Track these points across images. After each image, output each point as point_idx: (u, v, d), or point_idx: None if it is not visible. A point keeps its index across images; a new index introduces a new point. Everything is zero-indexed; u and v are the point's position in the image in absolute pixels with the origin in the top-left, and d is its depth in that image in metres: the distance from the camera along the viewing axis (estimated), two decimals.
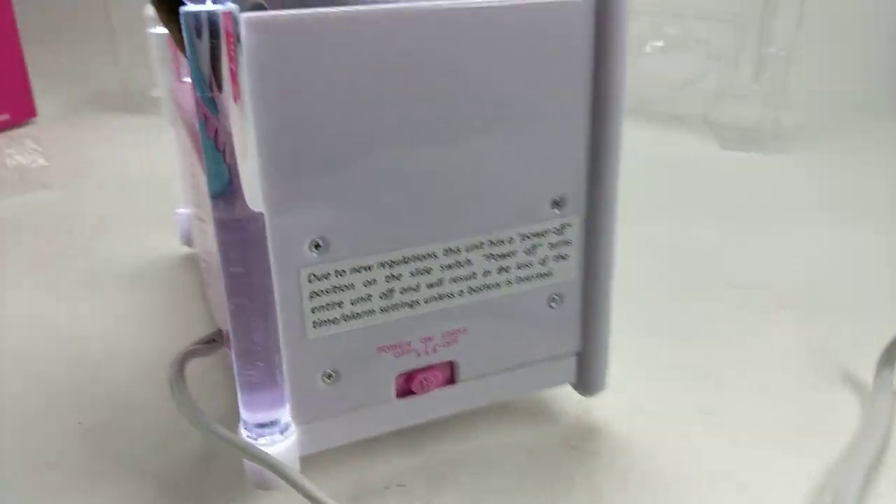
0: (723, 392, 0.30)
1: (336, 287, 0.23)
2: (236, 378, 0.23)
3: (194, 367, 0.26)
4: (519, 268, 0.25)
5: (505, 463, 0.26)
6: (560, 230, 0.25)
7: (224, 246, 0.21)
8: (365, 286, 0.23)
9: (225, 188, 0.21)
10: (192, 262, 0.39)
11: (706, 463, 0.26)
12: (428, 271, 0.24)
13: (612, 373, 0.27)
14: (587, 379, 0.28)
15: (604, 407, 0.29)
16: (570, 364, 0.27)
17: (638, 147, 0.27)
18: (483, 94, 0.23)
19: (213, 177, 0.21)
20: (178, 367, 0.25)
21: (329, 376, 0.24)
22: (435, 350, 0.25)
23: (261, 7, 0.25)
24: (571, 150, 0.24)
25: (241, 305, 0.22)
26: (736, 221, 0.44)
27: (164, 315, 0.34)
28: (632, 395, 0.30)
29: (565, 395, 0.29)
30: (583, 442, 0.27)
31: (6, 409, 0.28)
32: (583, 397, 0.28)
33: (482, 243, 0.24)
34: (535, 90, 0.23)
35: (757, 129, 0.52)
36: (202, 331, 0.24)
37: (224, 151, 0.20)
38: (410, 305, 0.24)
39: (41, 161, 0.51)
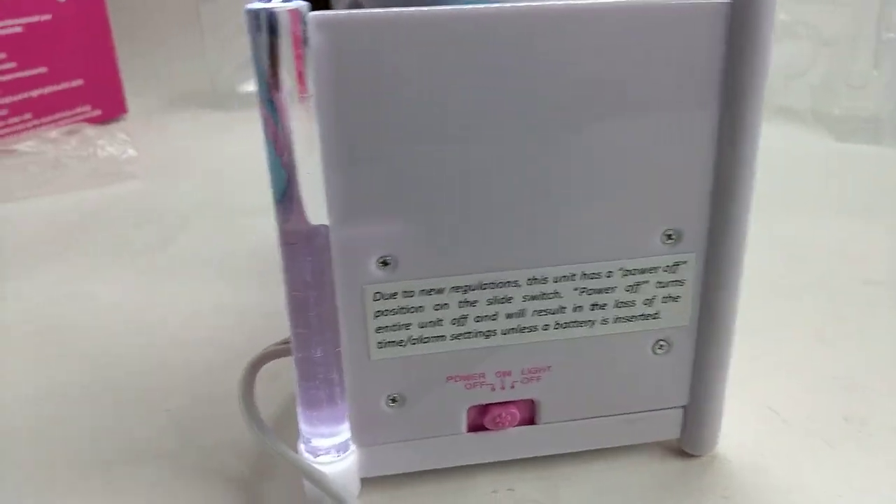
0: (867, 396, 0.26)
1: (403, 308, 0.21)
2: (297, 391, 0.22)
3: (274, 364, 0.26)
4: (618, 306, 0.22)
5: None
6: (672, 268, 0.21)
7: (286, 255, 0.20)
8: (435, 310, 0.21)
9: (285, 194, 0.19)
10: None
11: (856, 479, 0.23)
12: (508, 300, 0.21)
13: (742, 371, 0.25)
14: (695, 437, 0.24)
15: (733, 410, 0.25)
16: (675, 418, 0.24)
17: None
18: (589, 104, 0.19)
19: (274, 182, 0.19)
20: (250, 373, 0.24)
21: (393, 400, 0.22)
22: (513, 386, 0.22)
23: (357, 5, 0.23)
24: (692, 175, 0.21)
25: (302, 318, 0.21)
26: (861, 217, 0.42)
27: (250, 308, 0.34)
28: (763, 396, 0.27)
29: None
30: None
31: (98, 397, 0.29)
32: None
33: (574, 275, 0.21)
34: (654, 102, 0.20)
35: (875, 119, 0.46)
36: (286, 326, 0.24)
37: (283, 155, 0.19)
38: (486, 335, 0.21)
39: (131, 151, 0.53)
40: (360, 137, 0.19)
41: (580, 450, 0.24)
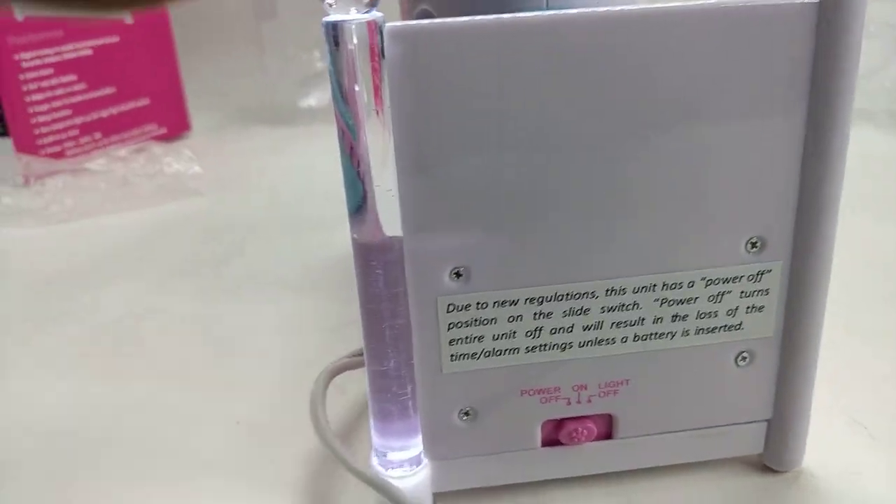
0: None
1: (477, 320, 0.20)
2: (369, 403, 0.22)
3: (342, 377, 0.25)
4: (700, 317, 0.21)
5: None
6: (756, 277, 0.21)
7: (360, 267, 0.20)
8: (509, 322, 0.21)
9: (360, 206, 0.19)
10: (346, 267, 0.39)
11: None
12: (585, 312, 0.21)
13: (827, 383, 0.23)
14: (778, 452, 0.23)
15: (818, 424, 0.24)
16: (759, 432, 0.23)
17: None
18: (671, 110, 0.19)
19: (349, 194, 0.19)
20: (322, 383, 0.24)
21: (466, 414, 0.22)
22: (590, 401, 0.22)
23: (428, 14, 0.23)
24: (777, 181, 0.20)
25: (375, 330, 0.20)
26: None
27: (317, 321, 0.34)
28: (849, 409, 0.26)
29: None
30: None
31: (169, 409, 0.29)
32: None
33: (654, 286, 0.20)
34: (738, 107, 0.19)
35: None
36: (358, 339, 0.23)
37: (359, 168, 0.19)
38: (562, 348, 0.21)
39: (196, 168, 0.53)
40: (435, 147, 0.19)
41: (658, 465, 0.23)
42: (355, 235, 0.20)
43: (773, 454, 0.23)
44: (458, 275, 0.20)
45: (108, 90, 0.64)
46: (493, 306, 0.20)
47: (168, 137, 0.67)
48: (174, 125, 0.69)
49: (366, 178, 0.19)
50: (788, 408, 0.22)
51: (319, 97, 0.69)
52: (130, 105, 0.66)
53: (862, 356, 0.29)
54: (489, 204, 0.19)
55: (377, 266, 0.20)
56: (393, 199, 0.19)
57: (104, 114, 0.64)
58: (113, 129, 0.64)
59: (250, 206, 0.51)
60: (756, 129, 0.19)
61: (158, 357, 0.33)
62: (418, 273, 0.20)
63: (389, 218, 0.19)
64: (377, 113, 0.18)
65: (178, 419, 0.28)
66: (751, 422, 0.23)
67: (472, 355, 0.21)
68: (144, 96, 0.67)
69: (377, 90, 0.18)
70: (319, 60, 0.70)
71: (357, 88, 0.18)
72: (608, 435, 0.22)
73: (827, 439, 0.24)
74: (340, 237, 0.27)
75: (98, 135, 0.63)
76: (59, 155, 0.59)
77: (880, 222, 0.40)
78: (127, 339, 0.34)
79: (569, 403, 0.22)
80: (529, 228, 0.20)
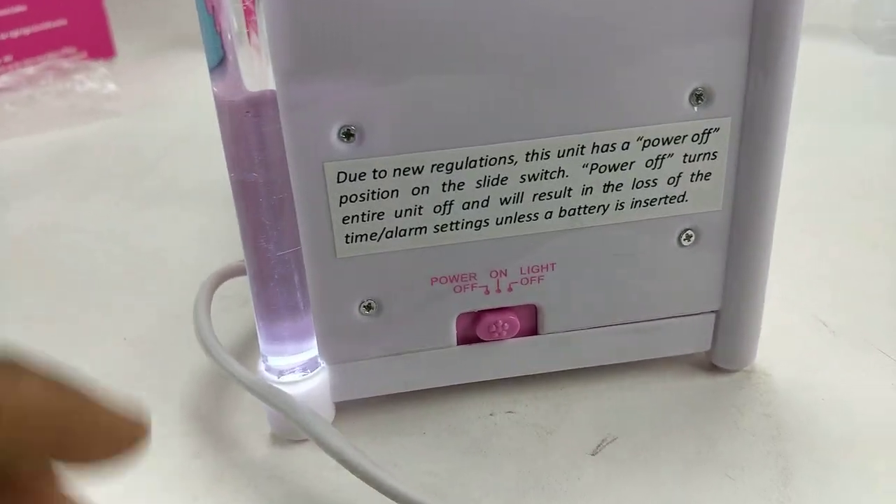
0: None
1: (374, 192, 0.17)
2: (252, 301, 0.18)
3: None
4: (636, 187, 0.18)
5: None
6: (702, 137, 0.18)
7: (226, 131, 0.16)
8: (414, 195, 0.17)
9: (220, 60, 0.16)
10: None
11: None
12: (502, 181, 0.17)
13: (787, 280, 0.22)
14: (728, 349, 0.20)
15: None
16: (706, 326, 0.20)
17: None
18: None
19: (207, 46, 0.16)
20: (206, 291, 0.21)
21: (368, 307, 0.18)
22: (510, 289, 0.19)
23: None
24: (724, 20, 0.17)
25: (251, 206, 0.17)
26: None
27: (232, 236, 0.31)
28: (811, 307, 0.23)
29: None
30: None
31: (61, 325, 0.26)
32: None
33: (582, 148, 0.17)
34: None
35: None
36: None
37: (215, 13, 0.15)
38: (476, 226, 0.18)
39: (111, 86, 0.49)
40: None
41: (591, 365, 0.20)
42: (216, 89, 0.16)
43: (722, 351, 0.20)
44: (348, 135, 0.16)
45: (19, 8, 0.59)
46: (394, 175, 0.17)
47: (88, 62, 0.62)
48: (95, 49, 0.64)
49: (225, 30, 0.15)
50: (739, 296, 0.20)
51: None
52: (45, 25, 0.61)
53: (822, 254, 0.27)
54: (382, 42, 0.16)
55: (248, 127, 0.16)
56: (257, 45, 0.16)
57: (14, 34, 0.58)
58: (25, 51, 0.59)
59: (169, 124, 0.47)
60: None
61: (63, 272, 0.29)
62: (298, 132, 0.16)
63: (251, 67, 0.16)
64: None
65: (70, 335, 0.25)
66: (697, 314, 0.20)
67: (371, 236, 0.18)
68: (61, 17, 0.62)
69: None
70: None
71: None
72: (533, 330, 0.19)
73: (785, 337, 0.22)
74: None
75: (8, 58, 0.58)
76: None
77: (846, 129, 0.38)
78: (33, 254, 0.31)
79: (487, 293, 0.19)
80: (433, 78, 0.16)
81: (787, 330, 0.23)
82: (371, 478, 0.16)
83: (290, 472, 0.19)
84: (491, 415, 0.20)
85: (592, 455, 0.19)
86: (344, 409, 0.20)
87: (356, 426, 0.20)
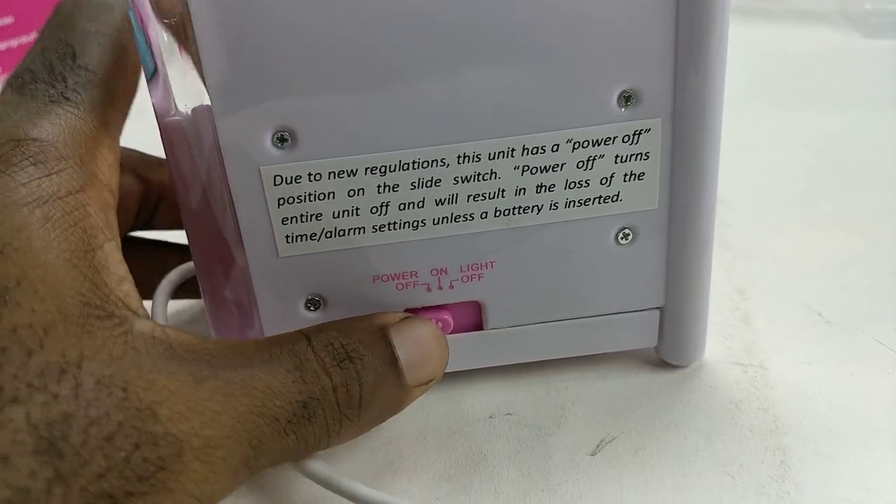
0: None
1: (311, 195, 0.18)
2: (204, 300, 0.19)
3: None
4: (569, 187, 0.18)
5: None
6: (632, 138, 0.18)
7: (166, 140, 0.17)
8: (350, 197, 0.18)
9: (153, 71, 0.16)
10: None
11: None
12: (436, 184, 0.18)
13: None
14: (674, 344, 0.21)
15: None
16: (651, 322, 0.20)
17: (768, 43, 0.19)
18: None
19: (142, 57, 0.16)
20: (162, 296, 0.21)
21: (314, 304, 0.19)
22: (452, 286, 0.19)
23: None
24: (649, 20, 0.17)
25: (193, 208, 0.18)
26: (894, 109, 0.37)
27: None
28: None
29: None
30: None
31: None
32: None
33: (513, 150, 0.18)
34: None
35: None
36: None
37: (143, 26, 0.16)
38: (413, 226, 0.18)
39: None
40: None
41: (536, 360, 0.21)
42: (153, 100, 0.17)
43: (669, 347, 0.21)
44: (282, 140, 0.17)
45: (6, 20, 0.60)
46: (329, 178, 0.18)
47: None
48: None
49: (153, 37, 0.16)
50: (683, 293, 0.20)
51: None
52: (33, 37, 0.61)
53: (812, 246, 0.26)
54: (313, 50, 0.16)
55: (182, 133, 0.17)
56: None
57: (2, 46, 0.59)
58: (13, 63, 0.60)
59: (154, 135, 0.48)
60: None
61: None
62: (233, 138, 0.17)
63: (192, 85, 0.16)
64: None
65: None
66: (641, 310, 0.20)
67: (310, 236, 0.18)
68: None
69: None
70: None
71: None
72: (478, 325, 0.20)
73: (779, 329, 0.22)
74: None
75: None
76: None
77: (833, 115, 0.37)
78: None
79: (429, 290, 0.19)
80: (364, 83, 0.17)
81: (781, 322, 0.23)
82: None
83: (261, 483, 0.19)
84: (490, 417, 0.20)
85: (592, 455, 0.19)
86: None
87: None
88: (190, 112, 0.17)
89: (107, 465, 0.12)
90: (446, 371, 0.19)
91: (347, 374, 0.16)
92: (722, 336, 0.22)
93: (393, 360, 0.16)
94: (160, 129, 0.17)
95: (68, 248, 0.14)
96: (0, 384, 0.12)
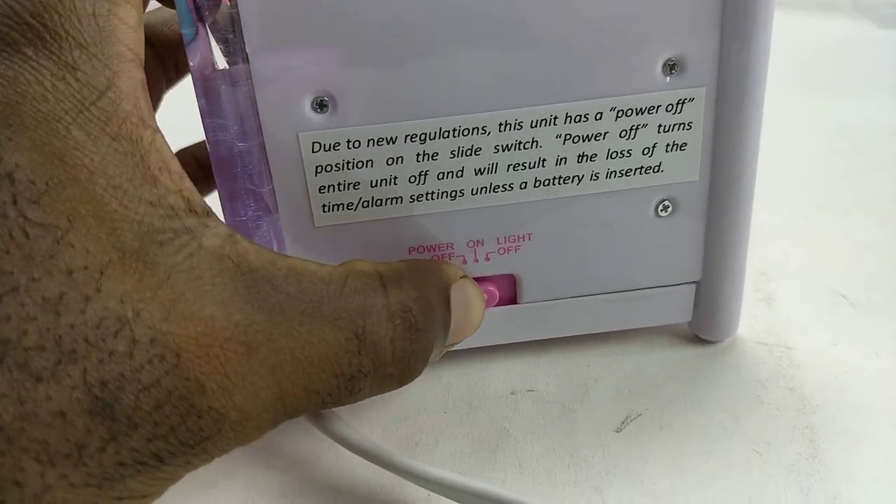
0: None
1: (349, 162, 0.17)
2: None
3: None
4: (611, 157, 0.18)
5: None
6: (676, 107, 0.18)
7: (204, 104, 0.17)
8: (388, 165, 0.18)
9: (194, 35, 0.16)
10: None
11: None
12: (476, 152, 0.18)
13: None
14: (709, 319, 0.20)
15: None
16: (686, 297, 0.20)
17: (783, 33, 0.19)
18: None
19: (182, 21, 0.16)
20: None
21: None
22: (488, 259, 0.19)
23: None
24: None
25: (227, 174, 0.17)
26: None
27: None
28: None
29: None
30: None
31: None
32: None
33: (555, 118, 0.17)
34: None
35: None
36: None
37: None
38: (451, 196, 0.18)
39: None
40: None
41: (568, 335, 0.20)
42: (191, 63, 0.16)
43: (704, 322, 0.21)
44: (321, 105, 0.17)
45: None
46: (368, 145, 0.17)
47: None
48: None
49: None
50: (719, 267, 0.20)
51: None
52: None
53: (836, 229, 0.26)
54: (354, 15, 0.16)
55: (224, 98, 0.17)
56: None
57: None
58: None
59: None
60: None
61: None
62: (272, 103, 0.17)
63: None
64: None
65: None
66: (676, 284, 0.20)
67: (347, 205, 0.18)
68: None
69: None
70: None
71: None
72: (512, 299, 0.20)
73: (803, 310, 0.22)
74: None
75: None
76: None
77: (851, 101, 0.37)
78: None
79: (465, 263, 0.19)
80: (405, 49, 0.16)
81: (805, 303, 0.23)
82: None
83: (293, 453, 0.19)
84: (512, 393, 0.20)
85: (617, 432, 0.19)
86: None
87: (374, 405, 0.20)
88: (229, 72, 0.16)
89: (154, 432, 0.12)
90: (472, 346, 0.19)
91: (411, 348, 0.15)
92: (745, 317, 0.22)
93: (447, 325, 0.16)
94: (197, 90, 0.17)
95: (117, 171, 0.12)
96: (59, 335, 0.11)
